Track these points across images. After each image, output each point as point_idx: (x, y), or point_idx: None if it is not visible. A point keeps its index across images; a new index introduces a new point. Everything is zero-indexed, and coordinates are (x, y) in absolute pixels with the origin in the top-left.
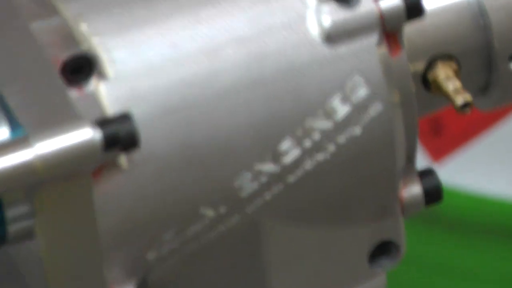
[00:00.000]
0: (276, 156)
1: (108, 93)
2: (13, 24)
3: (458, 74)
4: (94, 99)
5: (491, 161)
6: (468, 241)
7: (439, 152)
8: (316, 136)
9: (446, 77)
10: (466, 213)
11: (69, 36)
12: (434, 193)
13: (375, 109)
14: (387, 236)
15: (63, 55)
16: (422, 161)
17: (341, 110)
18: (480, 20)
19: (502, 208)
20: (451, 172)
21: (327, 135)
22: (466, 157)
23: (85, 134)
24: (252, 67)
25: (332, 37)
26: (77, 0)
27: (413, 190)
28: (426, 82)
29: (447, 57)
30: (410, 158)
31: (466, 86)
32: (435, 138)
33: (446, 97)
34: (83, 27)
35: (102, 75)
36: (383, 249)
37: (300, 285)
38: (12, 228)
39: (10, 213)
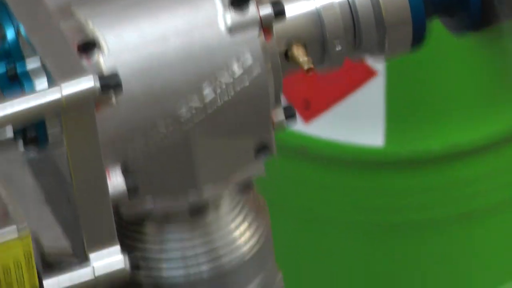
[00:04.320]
0: (200, 98)
1: (104, 61)
2: (50, 24)
3: (305, 51)
4: (96, 65)
5: (337, 123)
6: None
7: (310, 114)
8: (223, 86)
9: (298, 53)
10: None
11: (81, 29)
12: (291, 116)
13: (257, 71)
14: (265, 141)
15: (78, 41)
16: (299, 123)
17: (238, 71)
18: (318, 20)
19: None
20: (317, 128)
21: (229, 85)
22: (325, 120)
23: (91, 83)
24: (186, 47)
25: (232, 30)
26: (84, 7)
27: (279, 116)
28: (287, 56)
29: (298, 41)
30: (278, 100)
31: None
32: (306, 110)
33: (299, 64)
34: (89, 24)
35: (101, 51)
36: (262, 149)
37: (215, 168)
38: (51, 138)
39: (50, 129)
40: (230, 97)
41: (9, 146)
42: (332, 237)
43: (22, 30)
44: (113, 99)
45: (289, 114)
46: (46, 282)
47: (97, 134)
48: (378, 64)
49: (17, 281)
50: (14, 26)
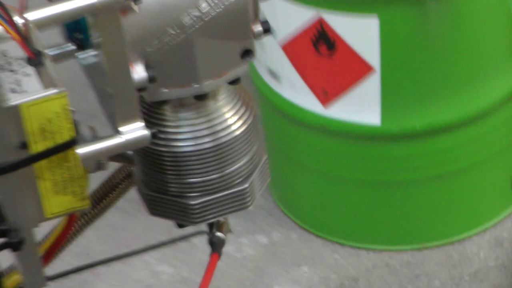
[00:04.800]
0: (199, 8)
1: None
2: None
3: None
4: None
5: (347, 107)
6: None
7: (327, 100)
8: (215, 0)
9: None
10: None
11: None
12: (267, 28)
13: None
14: (248, 47)
15: None
16: (317, 104)
17: None
18: None
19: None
20: (332, 111)
21: (219, 0)
22: (338, 104)
23: None
24: None
25: None
26: None
27: (258, 27)
28: None
29: None
30: (256, 16)
31: None
32: (324, 97)
33: None
34: None
35: None
36: (246, 53)
37: (212, 66)
38: (92, 39)
39: (91, 34)
40: (220, 9)
41: (70, 55)
42: (344, 190)
43: None
44: (135, 7)
45: (266, 28)
46: (85, 145)
47: (123, 33)
48: (375, 62)
49: (58, 129)
50: None
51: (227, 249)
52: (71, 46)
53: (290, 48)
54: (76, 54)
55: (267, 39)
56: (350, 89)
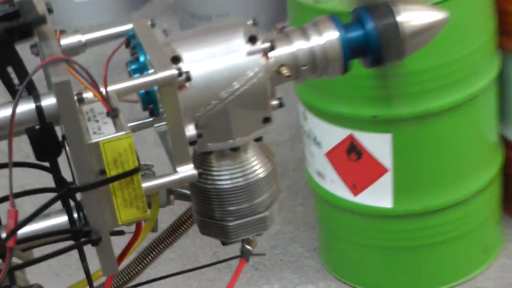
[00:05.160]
0: (231, 87)
1: (183, 66)
2: (159, 50)
3: (287, 69)
4: (180, 68)
5: (369, 196)
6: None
7: (356, 191)
8: (243, 81)
9: (283, 69)
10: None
11: (173, 51)
12: (281, 103)
13: (260, 75)
14: (267, 116)
15: (171, 56)
16: (349, 194)
17: (250, 74)
18: (295, 55)
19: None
20: (360, 198)
21: (247, 81)
22: (364, 194)
23: (174, 72)
24: (226, 62)
25: (249, 54)
26: (175, 42)
27: (274, 102)
28: (278, 72)
29: (284, 64)
30: (273, 94)
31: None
32: (354, 189)
33: (283, 75)
34: (177, 49)
35: (182, 61)
36: (266, 120)
37: (242, 127)
38: (159, 108)
39: (158, 103)
40: (247, 87)
41: (148, 126)
42: (368, 253)
43: (147, 56)
44: (187, 85)
45: (280, 102)
46: (153, 179)
47: (179, 102)
48: (388, 165)
49: (126, 160)
50: (144, 54)
51: None
52: (148, 119)
53: (331, 156)
54: (154, 124)
55: (316, 151)
56: (371, 183)
